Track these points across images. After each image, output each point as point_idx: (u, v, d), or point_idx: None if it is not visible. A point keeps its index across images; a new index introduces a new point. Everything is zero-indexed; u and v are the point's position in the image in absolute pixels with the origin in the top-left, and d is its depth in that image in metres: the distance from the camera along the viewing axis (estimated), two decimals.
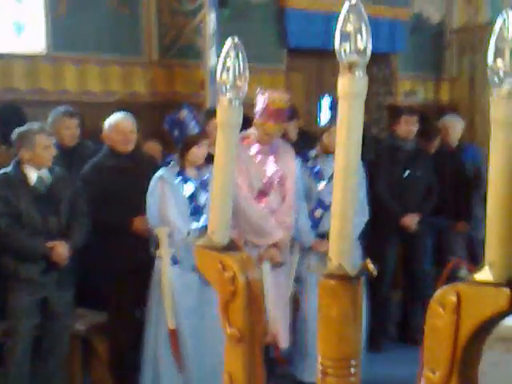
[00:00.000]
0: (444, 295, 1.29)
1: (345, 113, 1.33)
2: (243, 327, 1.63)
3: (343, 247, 1.37)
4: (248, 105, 6.01)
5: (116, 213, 4.89)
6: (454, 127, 7.03)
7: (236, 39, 1.52)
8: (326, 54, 7.97)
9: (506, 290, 1.23)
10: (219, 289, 1.60)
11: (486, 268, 1.25)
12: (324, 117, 5.15)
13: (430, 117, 6.95)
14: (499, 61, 1.27)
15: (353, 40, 1.32)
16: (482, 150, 7.90)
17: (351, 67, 1.33)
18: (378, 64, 8.67)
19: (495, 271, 1.25)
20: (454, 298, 1.27)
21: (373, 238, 5.72)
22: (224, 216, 1.62)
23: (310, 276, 5.19)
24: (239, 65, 1.54)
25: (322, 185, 5.30)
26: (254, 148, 5.07)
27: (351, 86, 1.33)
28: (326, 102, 5.15)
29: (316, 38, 7.67)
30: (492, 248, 1.26)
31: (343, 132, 1.33)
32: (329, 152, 5.21)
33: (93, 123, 5.96)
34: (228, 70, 1.54)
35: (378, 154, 6.43)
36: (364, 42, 1.33)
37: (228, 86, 1.56)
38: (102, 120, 5.70)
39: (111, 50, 6.54)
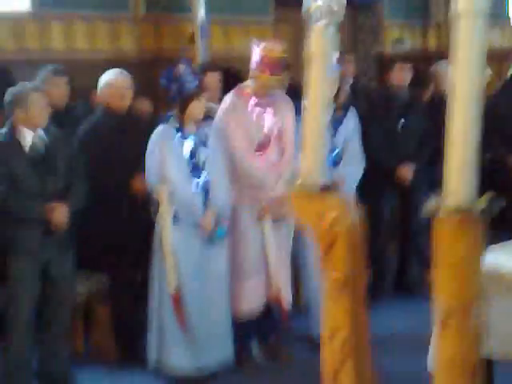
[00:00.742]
0: None
1: (464, 33, 1.19)
2: (348, 271, 1.52)
3: (467, 181, 1.24)
4: (238, 58, 5.87)
5: (115, 173, 4.78)
6: (447, 74, 6.93)
7: None
8: None
9: None
10: (319, 233, 1.49)
11: None
12: None
13: (421, 65, 6.83)
14: None
15: None
16: None
17: None
18: (365, 12, 8.53)
19: None
20: None
21: (368, 189, 5.64)
22: (320, 154, 1.50)
23: None
24: None
25: None
26: (252, 101, 4.96)
27: (471, 3, 1.19)
28: None
29: None
30: None
31: (463, 53, 1.19)
32: None
33: (81, 83, 5.80)
34: None
35: (371, 104, 6.33)
36: None
37: (322, 12, 1.41)
38: (90, 79, 5.57)
39: (97, 5, 6.34)
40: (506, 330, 2.82)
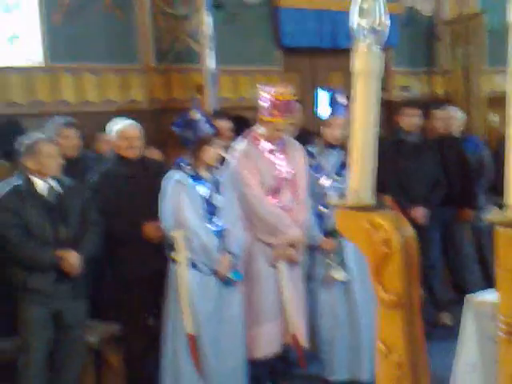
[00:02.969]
0: None
1: None
2: (401, 291, 1.48)
3: None
4: (247, 107, 5.88)
5: (127, 220, 4.78)
6: (456, 118, 6.99)
7: None
8: (319, 52, 7.94)
9: None
10: (369, 251, 1.46)
11: None
12: (324, 111, 5.06)
13: (429, 110, 6.86)
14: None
15: None
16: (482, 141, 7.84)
17: None
18: None
19: None
20: None
21: None
22: (368, 172, 1.50)
23: (319, 273, 5.09)
24: (378, 8, 1.43)
25: (326, 180, 5.18)
26: (264, 146, 4.97)
27: None
28: (323, 95, 5.05)
29: (310, 36, 7.63)
30: None
31: None
32: (331, 145, 5.12)
33: (92, 133, 5.85)
34: (365, 14, 1.43)
35: (383, 148, 6.33)
36: None
37: (366, 31, 1.44)
38: (102, 129, 5.62)
39: (108, 58, 6.43)
40: None
